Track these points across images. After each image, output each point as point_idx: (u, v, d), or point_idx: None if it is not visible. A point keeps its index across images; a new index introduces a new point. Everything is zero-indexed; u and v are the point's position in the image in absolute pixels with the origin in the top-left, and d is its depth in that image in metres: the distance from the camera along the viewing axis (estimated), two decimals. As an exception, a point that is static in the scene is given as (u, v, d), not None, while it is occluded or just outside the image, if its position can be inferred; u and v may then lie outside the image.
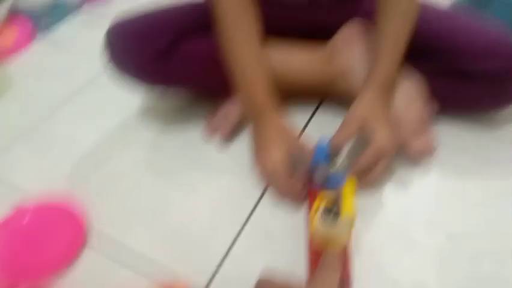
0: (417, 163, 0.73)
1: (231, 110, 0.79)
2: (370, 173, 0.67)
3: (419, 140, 0.71)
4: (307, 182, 0.69)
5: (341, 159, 0.64)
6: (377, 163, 0.66)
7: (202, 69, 0.76)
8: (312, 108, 0.85)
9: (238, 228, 0.67)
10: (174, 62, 0.74)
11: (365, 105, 0.68)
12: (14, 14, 1.14)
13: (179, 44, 0.74)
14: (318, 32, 0.81)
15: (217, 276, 0.61)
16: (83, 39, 1.11)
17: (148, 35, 0.73)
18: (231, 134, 0.79)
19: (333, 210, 0.56)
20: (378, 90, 0.69)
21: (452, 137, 0.77)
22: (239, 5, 0.71)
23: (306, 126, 0.82)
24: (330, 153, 0.64)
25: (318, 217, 0.56)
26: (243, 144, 0.78)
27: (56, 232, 0.68)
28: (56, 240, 0.66)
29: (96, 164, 0.79)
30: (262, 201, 0.70)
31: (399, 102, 0.72)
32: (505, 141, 0.77)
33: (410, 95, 0.74)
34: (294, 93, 0.85)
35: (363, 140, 0.67)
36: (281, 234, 0.65)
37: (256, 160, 0.72)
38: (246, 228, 0.67)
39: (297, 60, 0.79)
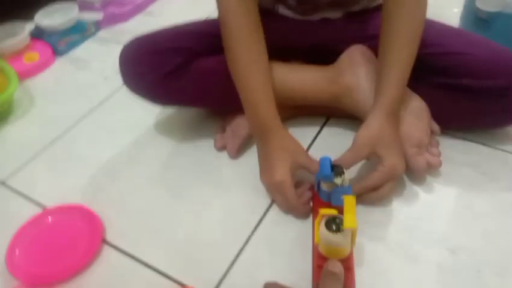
0: (421, 179, 0.74)
1: (239, 127, 0.82)
2: (375, 193, 0.69)
3: (422, 156, 0.73)
4: (312, 195, 0.71)
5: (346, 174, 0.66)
6: (383, 184, 0.68)
7: (211, 87, 0.80)
8: (319, 125, 0.87)
9: (244, 240, 0.69)
10: (184, 81, 0.78)
11: (374, 132, 0.68)
12: (36, 36, 1.20)
13: (190, 64, 0.78)
14: (328, 49, 0.84)
15: (223, 283, 0.63)
16: (101, 59, 1.16)
17: (160, 55, 0.77)
18: (239, 151, 0.82)
19: (336, 220, 0.58)
20: (386, 114, 0.69)
21: (457, 150, 0.79)
22: (246, 25, 0.73)
23: (313, 142, 0.84)
24: (335, 169, 0.66)
25: (322, 226, 0.58)
26: (251, 160, 0.80)
27: (76, 231, 0.72)
28: (76, 240, 0.71)
29: (111, 180, 0.82)
30: (268, 214, 0.72)
31: (403, 119, 0.74)
32: (509, 154, 0.78)
33: (414, 112, 0.75)
34: (301, 111, 0.87)
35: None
36: (287, 246, 0.67)
37: (262, 176, 0.74)
38: (252, 240, 0.69)
39: (304, 78, 0.82)
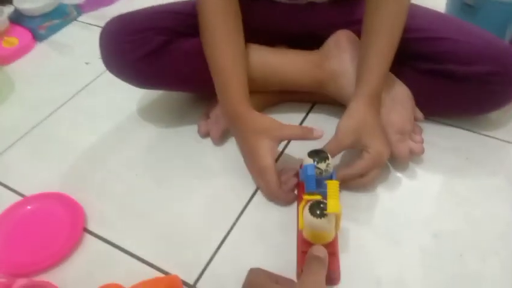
0: (404, 165, 0.74)
1: (222, 113, 0.81)
2: (361, 180, 0.69)
3: (405, 143, 0.72)
4: (297, 182, 0.71)
5: (329, 162, 0.66)
6: (369, 171, 0.68)
7: (192, 69, 0.78)
8: (304, 112, 0.87)
9: (229, 226, 0.68)
10: (164, 62, 0.76)
11: (356, 120, 0.68)
12: (15, 20, 1.17)
13: (170, 44, 0.76)
14: (314, 34, 0.83)
15: (207, 271, 0.63)
16: (83, 43, 1.14)
17: (140, 35, 0.75)
18: (222, 136, 0.81)
19: (320, 205, 0.57)
20: (368, 101, 0.69)
21: (440, 136, 0.79)
22: (221, 6, 0.72)
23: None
24: (319, 154, 0.66)
25: (306, 211, 0.58)
26: (235, 146, 0.80)
27: (56, 219, 0.71)
28: (56, 229, 0.69)
29: (92, 166, 0.81)
30: (253, 200, 0.72)
31: (386, 105, 0.73)
32: (492, 139, 0.78)
33: (397, 98, 0.75)
34: (286, 97, 0.87)
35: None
36: (272, 232, 0.67)
37: (245, 163, 0.73)
38: (237, 226, 0.68)
39: (289, 62, 0.81)
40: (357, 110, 0.68)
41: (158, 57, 0.76)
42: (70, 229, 0.69)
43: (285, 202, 0.70)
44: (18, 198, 0.75)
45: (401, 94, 0.75)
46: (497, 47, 0.73)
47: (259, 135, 0.70)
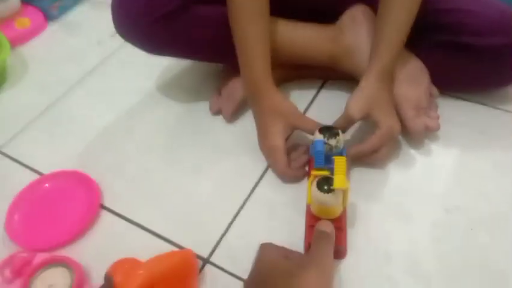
0: (419, 141, 0.74)
1: (235, 90, 0.81)
2: (373, 156, 0.68)
3: (420, 119, 0.72)
4: (309, 159, 0.71)
5: (340, 138, 0.66)
6: (381, 147, 0.68)
7: (209, 35, 0.76)
8: (316, 88, 0.86)
9: (241, 202, 0.69)
10: (182, 25, 0.74)
11: (367, 95, 0.67)
12: (26, 1, 1.17)
13: (189, 8, 0.74)
14: (329, 9, 0.81)
15: (220, 246, 0.65)
16: (94, 23, 1.14)
17: None
18: (234, 114, 0.82)
19: (328, 181, 0.58)
20: (380, 77, 0.68)
21: (454, 110, 0.78)
22: None
23: (310, 104, 0.84)
24: (330, 130, 0.66)
25: (313, 186, 0.58)
26: (247, 124, 0.80)
27: (74, 196, 0.73)
28: (74, 205, 0.71)
29: (107, 145, 0.82)
30: (264, 176, 0.73)
31: (401, 81, 0.73)
32: (507, 113, 0.77)
33: (412, 74, 0.74)
34: (299, 72, 0.86)
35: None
36: (282, 208, 0.68)
37: (258, 138, 0.74)
38: (249, 201, 0.69)
39: (304, 36, 0.79)
40: (368, 85, 0.68)
41: (175, 20, 0.74)
42: (87, 205, 0.71)
43: (294, 180, 0.71)
44: (36, 176, 0.77)
45: (416, 69, 0.74)
46: (510, 18, 0.71)
47: (276, 117, 0.71)
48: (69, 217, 0.70)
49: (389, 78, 0.70)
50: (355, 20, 0.78)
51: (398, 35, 0.69)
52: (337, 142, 0.64)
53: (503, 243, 0.61)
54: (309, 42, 0.79)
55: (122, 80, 0.95)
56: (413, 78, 0.74)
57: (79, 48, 1.07)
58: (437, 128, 0.73)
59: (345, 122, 0.68)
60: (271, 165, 0.73)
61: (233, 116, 0.82)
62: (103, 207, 0.72)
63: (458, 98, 0.80)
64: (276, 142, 0.70)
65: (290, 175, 0.70)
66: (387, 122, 0.66)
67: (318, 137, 0.65)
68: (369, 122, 0.68)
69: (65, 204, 0.72)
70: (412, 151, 0.73)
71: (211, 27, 0.76)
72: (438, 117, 0.73)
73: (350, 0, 0.80)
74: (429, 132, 0.73)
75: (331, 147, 0.64)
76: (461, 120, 0.76)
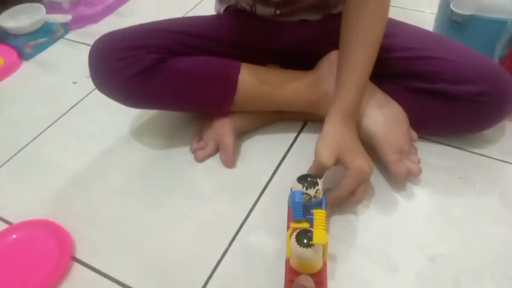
0: (401, 186, 0.74)
1: (222, 136, 0.80)
2: (350, 199, 0.68)
3: (403, 163, 0.72)
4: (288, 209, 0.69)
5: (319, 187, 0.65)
6: (356, 188, 0.67)
7: (184, 89, 0.77)
8: (296, 131, 0.86)
9: (221, 253, 0.67)
10: (157, 81, 0.74)
11: (335, 138, 0.67)
12: (0, 39, 1.15)
13: (163, 63, 0.75)
14: (305, 51, 0.83)
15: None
16: (70, 62, 1.12)
17: (132, 52, 0.73)
18: (206, 158, 0.81)
19: (307, 234, 0.56)
20: (342, 119, 0.68)
21: (431, 154, 0.78)
22: None
23: (290, 148, 0.83)
24: (309, 179, 0.65)
25: (292, 240, 0.57)
26: (227, 169, 0.79)
27: (44, 248, 0.69)
28: (44, 258, 0.67)
29: (80, 191, 0.79)
30: (245, 225, 0.70)
31: (383, 125, 0.73)
32: (484, 158, 0.78)
33: (393, 119, 0.75)
34: (279, 115, 0.86)
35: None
36: (264, 259, 0.66)
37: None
38: (229, 252, 0.67)
39: (285, 84, 0.80)
40: (333, 130, 0.68)
41: (151, 76, 0.74)
42: (58, 258, 0.67)
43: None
44: (4, 225, 0.73)
45: (397, 114, 0.75)
46: (486, 66, 0.73)
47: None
48: (38, 271, 0.66)
49: (352, 118, 0.70)
50: (332, 66, 0.78)
51: (357, 78, 0.70)
52: (316, 192, 0.63)
53: (488, 293, 0.60)
54: (289, 90, 0.79)
55: (98, 122, 0.93)
56: (394, 123, 0.74)
57: (53, 88, 1.05)
58: (419, 172, 0.73)
59: (318, 170, 0.67)
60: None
61: (203, 159, 0.81)
62: (74, 259, 0.68)
63: (435, 141, 0.81)
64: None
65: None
66: (357, 162, 0.66)
67: (297, 186, 0.63)
68: (339, 164, 0.67)
69: (34, 256, 0.68)
70: (393, 196, 0.73)
71: (187, 80, 0.76)
72: (419, 161, 0.74)
73: (325, 43, 0.81)
74: (412, 177, 0.73)
75: (310, 197, 0.63)
76: (439, 164, 0.77)
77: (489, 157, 0.78)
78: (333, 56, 0.79)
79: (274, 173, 0.78)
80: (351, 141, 0.68)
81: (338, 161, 0.66)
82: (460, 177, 0.75)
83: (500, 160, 0.78)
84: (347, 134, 0.68)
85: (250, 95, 0.78)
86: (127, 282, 0.64)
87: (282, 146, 0.83)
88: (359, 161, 0.66)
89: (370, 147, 0.72)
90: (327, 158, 0.65)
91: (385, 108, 0.75)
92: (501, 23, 0.83)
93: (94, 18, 1.28)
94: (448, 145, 0.80)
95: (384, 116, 0.74)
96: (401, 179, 0.72)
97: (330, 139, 0.67)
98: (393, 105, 0.76)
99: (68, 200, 0.78)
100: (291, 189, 0.65)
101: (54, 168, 0.83)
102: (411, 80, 0.76)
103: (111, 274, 0.65)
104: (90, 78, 0.78)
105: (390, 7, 0.72)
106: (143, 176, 0.80)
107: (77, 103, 0.99)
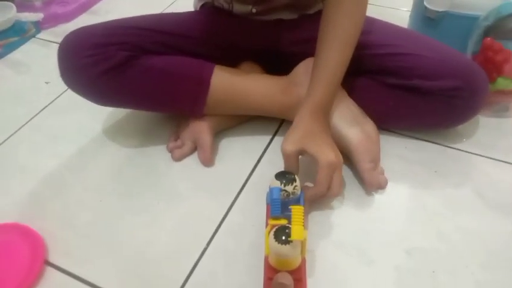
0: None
1: (200, 134, 0.79)
2: (329, 193, 0.67)
3: (377, 172, 0.73)
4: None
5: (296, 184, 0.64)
6: (331, 179, 0.66)
7: (155, 88, 0.76)
8: (272, 133, 0.85)
9: (199, 253, 0.66)
10: (127, 78, 0.73)
11: (301, 128, 0.68)
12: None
13: (134, 60, 0.74)
14: (281, 50, 0.83)
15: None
16: (42, 62, 1.09)
17: (102, 49, 0.72)
18: (183, 157, 0.80)
19: (285, 231, 0.56)
20: (313, 110, 0.69)
21: (407, 149, 0.79)
22: None
23: (266, 148, 0.82)
24: (287, 176, 0.64)
25: (271, 237, 0.56)
26: (205, 168, 0.78)
27: (15, 252, 0.67)
28: (15, 263, 0.65)
29: (54, 193, 0.77)
30: (223, 223, 0.70)
31: (361, 137, 0.74)
32: (458, 151, 0.79)
33: (368, 134, 0.75)
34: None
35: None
36: (243, 256, 0.65)
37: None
38: (207, 252, 0.66)
39: (258, 88, 0.80)
40: (300, 122, 0.68)
41: (121, 73, 0.73)
42: (30, 262, 0.65)
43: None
44: (-27, 230, 0.71)
45: (371, 132, 0.76)
46: (459, 62, 0.74)
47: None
48: (9, 276, 0.63)
49: (322, 113, 0.70)
50: (308, 71, 0.77)
51: (329, 75, 0.70)
52: (294, 188, 0.63)
53: (466, 285, 0.61)
54: (262, 94, 0.79)
55: (71, 122, 0.91)
56: (370, 136, 0.75)
57: (26, 88, 1.03)
58: (386, 184, 0.74)
59: (285, 160, 0.67)
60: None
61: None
62: (47, 263, 0.66)
63: (410, 136, 0.82)
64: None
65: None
66: (324, 153, 0.65)
67: (275, 183, 0.63)
68: (307, 156, 0.67)
69: (5, 261, 0.66)
70: (370, 192, 0.73)
71: (158, 78, 0.75)
72: (383, 172, 0.75)
73: (301, 43, 0.81)
74: (380, 188, 0.74)
75: (288, 194, 0.63)
76: (414, 158, 0.78)
77: (464, 151, 0.79)
78: (309, 61, 0.79)
79: (253, 171, 0.78)
80: (318, 132, 0.68)
81: (304, 151, 0.66)
82: (435, 171, 0.76)
83: (475, 154, 0.79)
84: (314, 126, 0.68)
85: (222, 97, 0.78)
86: (104, 285, 0.63)
87: (260, 144, 0.82)
88: (326, 151, 0.65)
89: (345, 155, 0.72)
90: (287, 145, 0.66)
91: (363, 125, 0.76)
92: (473, 19, 0.85)
93: (67, 17, 1.25)
94: (423, 140, 0.81)
95: (362, 131, 0.75)
96: (373, 188, 0.73)
97: (295, 129, 0.68)
98: (369, 123, 0.77)
99: (42, 202, 0.75)
100: (270, 186, 0.65)
101: (27, 170, 0.81)
102: (386, 76, 0.77)
103: (86, 277, 0.64)
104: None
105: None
106: (119, 176, 0.79)
107: (50, 103, 0.96)
